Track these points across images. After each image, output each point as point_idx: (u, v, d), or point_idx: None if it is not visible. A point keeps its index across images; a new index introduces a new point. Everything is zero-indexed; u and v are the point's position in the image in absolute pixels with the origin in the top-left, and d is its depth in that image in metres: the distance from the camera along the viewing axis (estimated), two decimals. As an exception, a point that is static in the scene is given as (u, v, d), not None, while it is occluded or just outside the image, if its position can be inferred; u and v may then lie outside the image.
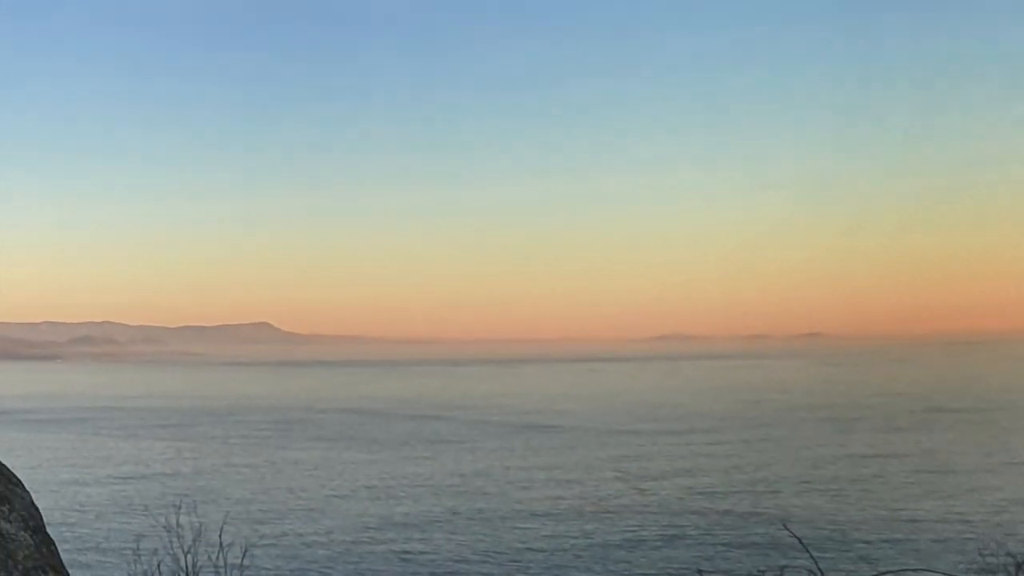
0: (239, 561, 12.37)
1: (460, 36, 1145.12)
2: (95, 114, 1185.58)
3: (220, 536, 12.48)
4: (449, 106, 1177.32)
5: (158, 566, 11.78)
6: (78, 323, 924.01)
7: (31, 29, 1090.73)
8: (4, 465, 8.90)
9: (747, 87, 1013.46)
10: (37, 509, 8.66)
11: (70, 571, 8.73)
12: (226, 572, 12.12)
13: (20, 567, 7.89)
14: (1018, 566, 9.07)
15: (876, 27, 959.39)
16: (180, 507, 15.41)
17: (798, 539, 11.11)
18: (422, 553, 44.79)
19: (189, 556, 11.86)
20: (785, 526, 16.00)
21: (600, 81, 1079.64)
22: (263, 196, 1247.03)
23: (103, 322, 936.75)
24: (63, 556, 8.73)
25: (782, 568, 10.24)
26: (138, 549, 13.03)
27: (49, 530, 8.67)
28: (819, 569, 9.89)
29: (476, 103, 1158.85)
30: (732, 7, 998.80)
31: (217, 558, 12.20)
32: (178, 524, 12.44)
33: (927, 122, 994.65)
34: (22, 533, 8.19)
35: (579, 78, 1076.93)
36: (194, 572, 11.78)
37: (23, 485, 8.81)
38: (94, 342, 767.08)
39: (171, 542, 12.05)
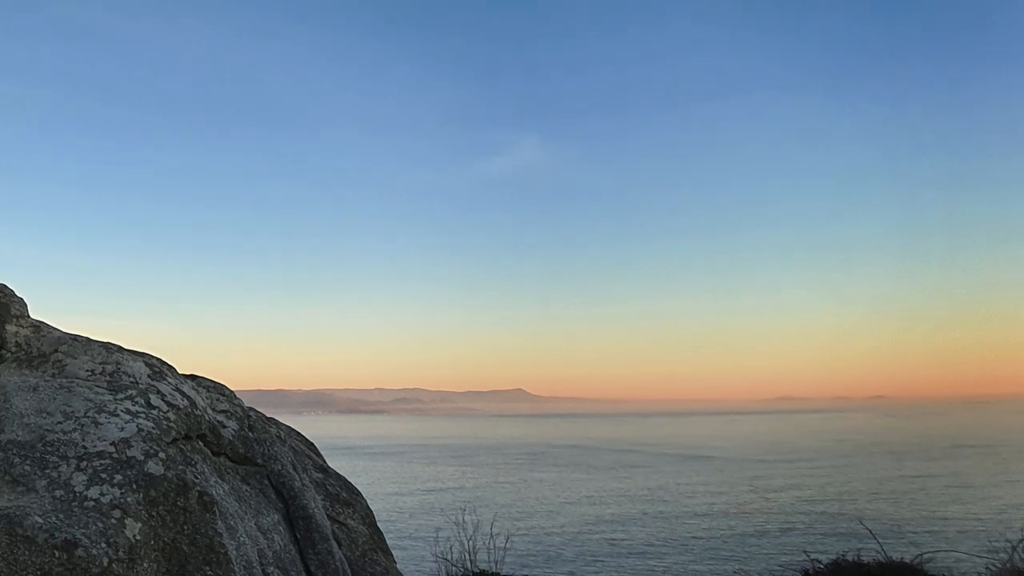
0: (503, 545, 12.30)
1: (640, 198, 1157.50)
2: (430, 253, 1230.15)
3: (491, 528, 12.43)
4: (636, 249, 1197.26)
5: (450, 548, 11.79)
6: (397, 388, 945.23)
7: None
8: (349, 481, 9.00)
9: (830, 238, 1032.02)
10: (371, 510, 8.71)
11: (393, 552, 8.74)
12: (494, 552, 12.04)
13: (360, 549, 7.92)
14: (1013, 548, 9.13)
15: (918, 198, 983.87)
16: (464, 509, 15.44)
17: (869, 531, 10.92)
18: (623, 540, 44.30)
19: (470, 542, 11.86)
20: (861, 522, 15.41)
21: (739, 232, 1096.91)
22: (514, 306, 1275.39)
23: (414, 388, 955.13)
24: (388, 542, 8.77)
25: (859, 550, 10.31)
26: (436, 537, 13.00)
27: (378, 525, 8.73)
28: (883, 550, 10.13)
29: (654, 246, 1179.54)
30: (818, 185, 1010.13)
31: (489, 543, 12.14)
32: (463, 520, 12.42)
33: (956, 259, 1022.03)
34: (361, 526, 8.24)
35: (729, 231, 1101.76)
36: (473, 552, 11.74)
37: (361, 494, 8.88)
38: (407, 402, 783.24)
39: (459, 532, 12.06)
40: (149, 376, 6.60)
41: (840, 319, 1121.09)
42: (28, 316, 7.00)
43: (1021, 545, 9.23)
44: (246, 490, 6.58)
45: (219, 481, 6.24)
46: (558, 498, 63.15)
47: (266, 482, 6.88)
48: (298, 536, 6.76)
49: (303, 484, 7.26)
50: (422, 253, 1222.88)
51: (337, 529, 7.80)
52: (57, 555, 4.71)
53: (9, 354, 6.63)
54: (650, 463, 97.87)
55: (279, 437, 7.85)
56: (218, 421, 6.88)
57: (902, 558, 10.18)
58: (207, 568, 5.39)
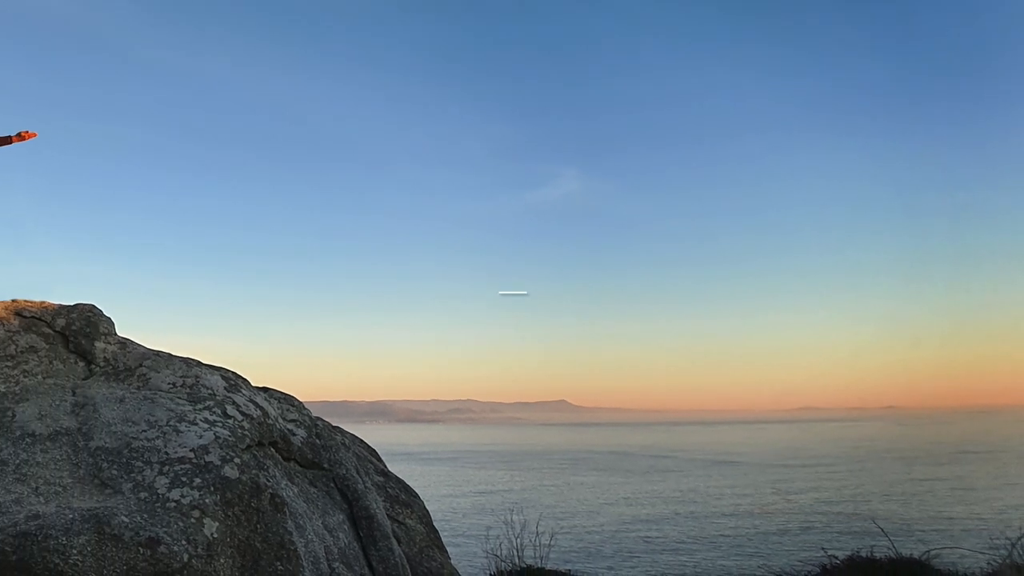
0: (548, 542, 12.17)
1: (681, 238, 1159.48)
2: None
3: (536, 527, 12.28)
4: (669, 272, 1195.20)
5: (500, 545, 11.66)
6: (452, 400, 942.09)
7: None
8: (407, 484, 8.96)
9: (845, 262, 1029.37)
10: (427, 511, 8.67)
11: (447, 548, 8.67)
12: (540, 549, 11.91)
13: (417, 546, 7.88)
14: (1012, 545, 8.93)
15: (925, 226, 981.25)
16: (512, 510, 15.27)
17: (881, 529, 10.66)
18: (657, 537, 43.72)
19: (518, 540, 11.71)
20: (874, 521, 15.11)
21: (762, 257, 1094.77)
22: (558, 324, 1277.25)
23: (467, 400, 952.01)
24: (443, 539, 8.69)
25: (872, 547, 10.09)
26: (487, 536, 12.88)
27: (434, 524, 8.66)
28: (894, 547, 9.93)
29: (685, 269, 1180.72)
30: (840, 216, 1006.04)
31: (535, 541, 12.01)
32: (511, 520, 12.27)
33: (960, 281, 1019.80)
34: (418, 525, 8.21)
35: (753, 256, 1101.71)
36: (520, 549, 11.61)
37: (419, 496, 8.83)
38: (461, 412, 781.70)
39: (507, 531, 11.92)
40: (225, 388, 6.65)
41: (855, 336, 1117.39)
42: (115, 334, 7.11)
43: (1020, 542, 9.15)
44: (314, 492, 6.58)
45: (289, 484, 6.25)
46: (598, 499, 62.66)
47: (332, 485, 6.88)
48: (361, 534, 6.74)
49: (365, 487, 7.23)
50: (473, 276, 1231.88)
51: (397, 528, 7.75)
52: (142, 552, 4.75)
53: (98, 368, 6.72)
54: (682, 468, 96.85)
55: (344, 444, 7.84)
56: (288, 429, 6.90)
57: (911, 554, 10.03)
58: (278, 563, 5.40)
